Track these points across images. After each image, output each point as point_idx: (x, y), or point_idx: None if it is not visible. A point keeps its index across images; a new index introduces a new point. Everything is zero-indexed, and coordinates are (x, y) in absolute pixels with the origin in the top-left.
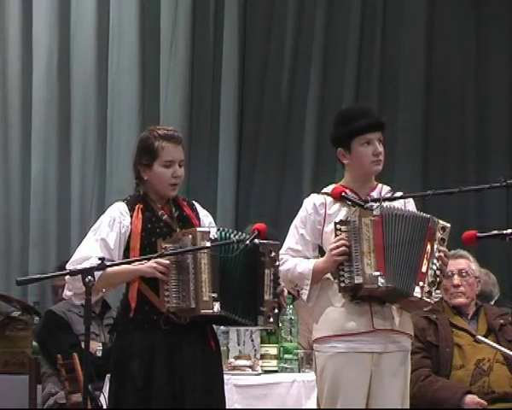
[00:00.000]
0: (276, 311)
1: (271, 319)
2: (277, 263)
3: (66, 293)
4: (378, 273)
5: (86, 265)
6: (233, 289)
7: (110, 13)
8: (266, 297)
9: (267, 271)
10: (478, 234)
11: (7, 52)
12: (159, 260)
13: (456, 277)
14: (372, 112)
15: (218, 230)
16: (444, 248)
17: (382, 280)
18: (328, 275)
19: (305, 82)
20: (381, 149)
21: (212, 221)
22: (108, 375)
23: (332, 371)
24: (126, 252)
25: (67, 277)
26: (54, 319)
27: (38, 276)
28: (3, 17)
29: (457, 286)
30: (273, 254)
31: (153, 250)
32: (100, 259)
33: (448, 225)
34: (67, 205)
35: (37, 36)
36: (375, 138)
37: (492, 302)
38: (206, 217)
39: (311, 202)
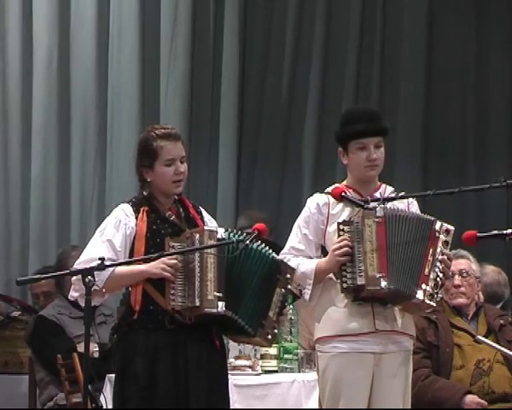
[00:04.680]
0: (276, 331)
1: (269, 337)
2: (289, 287)
3: (73, 294)
4: (380, 275)
5: (93, 265)
6: (242, 294)
7: (110, 12)
8: (270, 314)
9: (278, 290)
10: (478, 234)
11: (7, 52)
12: (165, 260)
13: (456, 277)
14: (374, 116)
15: (226, 230)
16: (447, 251)
17: (385, 282)
18: (331, 275)
19: (305, 82)
20: (375, 155)
21: (217, 226)
22: (108, 375)
23: (334, 372)
24: (131, 254)
25: (74, 278)
26: (46, 324)
27: (38, 276)
28: (3, 17)
29: (458, 286)
30: (288, 276)
31: (158, 252)
32: (100, 259)
33: (452, 227)
34: (67, 205)
35: (37, 36)
36: (372, 143)
37: (501, 304)
38: (210, 221)
39: (315, 201)
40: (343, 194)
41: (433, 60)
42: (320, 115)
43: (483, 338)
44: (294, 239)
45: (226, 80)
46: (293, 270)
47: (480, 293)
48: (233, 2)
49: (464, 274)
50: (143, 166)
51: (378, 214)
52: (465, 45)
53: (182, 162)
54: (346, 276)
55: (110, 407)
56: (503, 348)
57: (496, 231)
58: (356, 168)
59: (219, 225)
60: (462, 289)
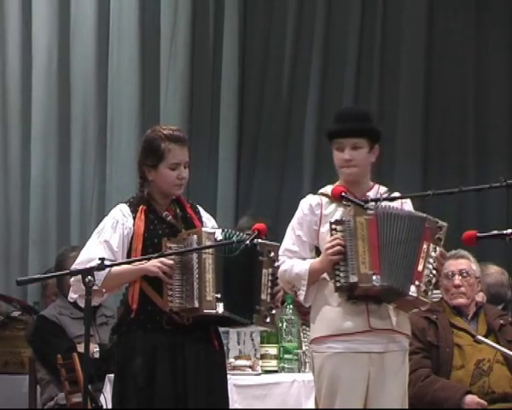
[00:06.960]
0: (274, 312)
1: (268, 319)
2: (276, 264)
3: (72, 295)
4: (373, 272)
5: (92, 265)
6: (233, 289)
7: (110, 13)
8: (263, 297)
9: (265, 270)
10: (478, 234)
11: (6, 52)
12: (163, 259)
13: (456, 277)
14: (356, 116)
15: (223, 231)
16: (440, 248)
17: (377, 279)
18: (325, 275)
19: (305, 83)
20: (348, 155)
21: (215, 225)
22: (108, 375)
23: (329, 372)
24: (129, 253)
25: (72, 279)
26: (47, 324)
27: (38, 276)
28: (3, 17)
29: (458, 286)
30: (272, 254)
31: (155, 251)
32: (100, 259)
33: (444, 224)
34: (67, 205)
35: (37, 36)
36: (348, 144)
37: (502, 305)
38: (208, 220)
39: (307, 202)
40: (343, 194)
41: (432, 60)
42: (320, 116)
43: (483, 338)
44: (288, 241)
45: (226, 81)
46: (274, 246)
47: (481, 293)
48: (233, 4)
49: (464, 274)
50: (146, 165)
51: (369, 212)
52: (465, 45)
53: (185, 167)
54: (339, 275)
55: (110, 407)
56: (503, 348)
57: (496, 231)
58: (336, 167)
59: (219, 225)
60: (462, 289)
